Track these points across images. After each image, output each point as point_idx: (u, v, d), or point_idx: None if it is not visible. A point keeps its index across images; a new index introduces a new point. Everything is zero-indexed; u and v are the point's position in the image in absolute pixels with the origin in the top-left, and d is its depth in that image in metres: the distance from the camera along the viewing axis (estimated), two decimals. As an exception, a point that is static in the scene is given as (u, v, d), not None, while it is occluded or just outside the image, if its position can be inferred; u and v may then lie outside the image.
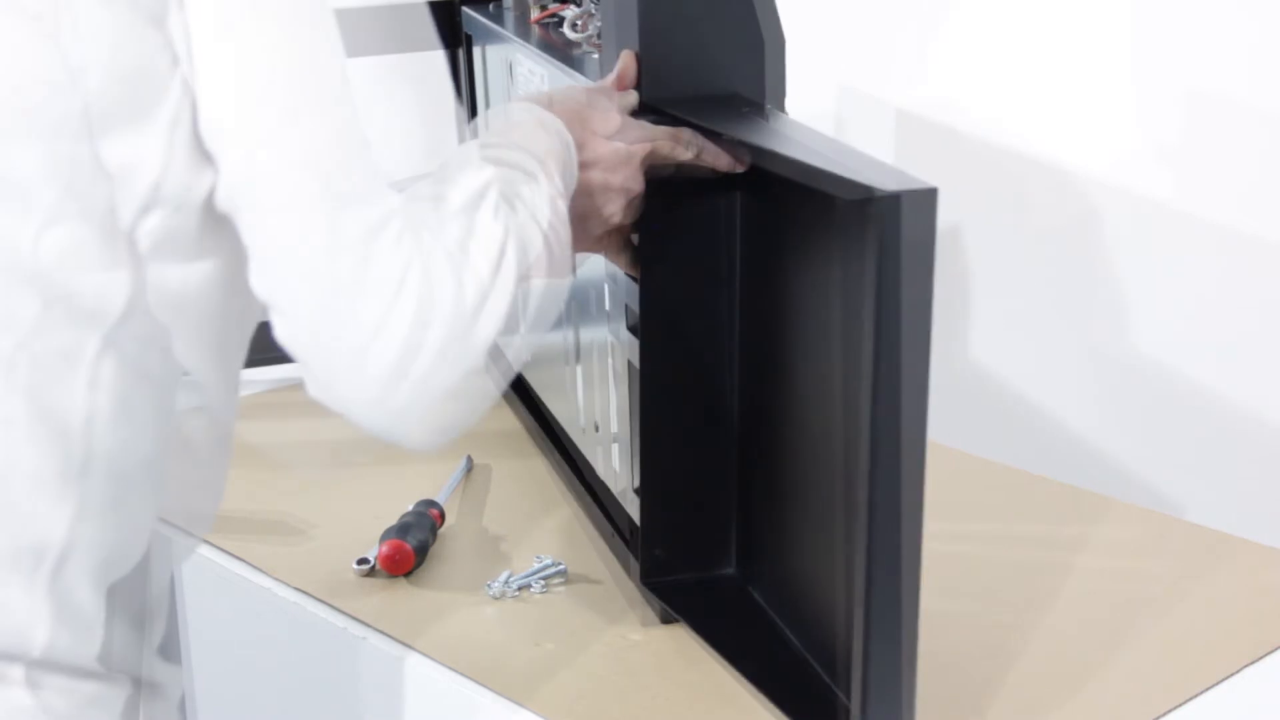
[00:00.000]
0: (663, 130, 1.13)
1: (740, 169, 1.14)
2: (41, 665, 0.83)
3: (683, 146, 1.13)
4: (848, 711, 1.05)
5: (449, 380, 0.87)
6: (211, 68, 0.83)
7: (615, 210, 1.12)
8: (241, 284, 0.88)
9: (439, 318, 0.86)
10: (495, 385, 0.93)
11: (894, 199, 0.92)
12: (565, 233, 0.99)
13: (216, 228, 0.87)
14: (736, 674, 1.15)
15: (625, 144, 1.11)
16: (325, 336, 0.86)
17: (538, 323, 0.96)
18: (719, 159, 1.14)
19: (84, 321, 0.83)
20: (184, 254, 0.86)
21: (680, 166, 1.14)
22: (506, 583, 1.30)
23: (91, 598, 0.85)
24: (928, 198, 0.93)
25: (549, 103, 1.09)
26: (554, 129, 1.05)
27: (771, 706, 1.11)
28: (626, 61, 1.17)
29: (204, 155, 0.85)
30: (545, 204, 0.98)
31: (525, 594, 1.30)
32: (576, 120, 1.09)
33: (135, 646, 0.88)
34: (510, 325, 0.91)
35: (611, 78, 1.17)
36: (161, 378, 0.87)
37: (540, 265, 0.95)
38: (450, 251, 0.88)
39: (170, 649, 0.94)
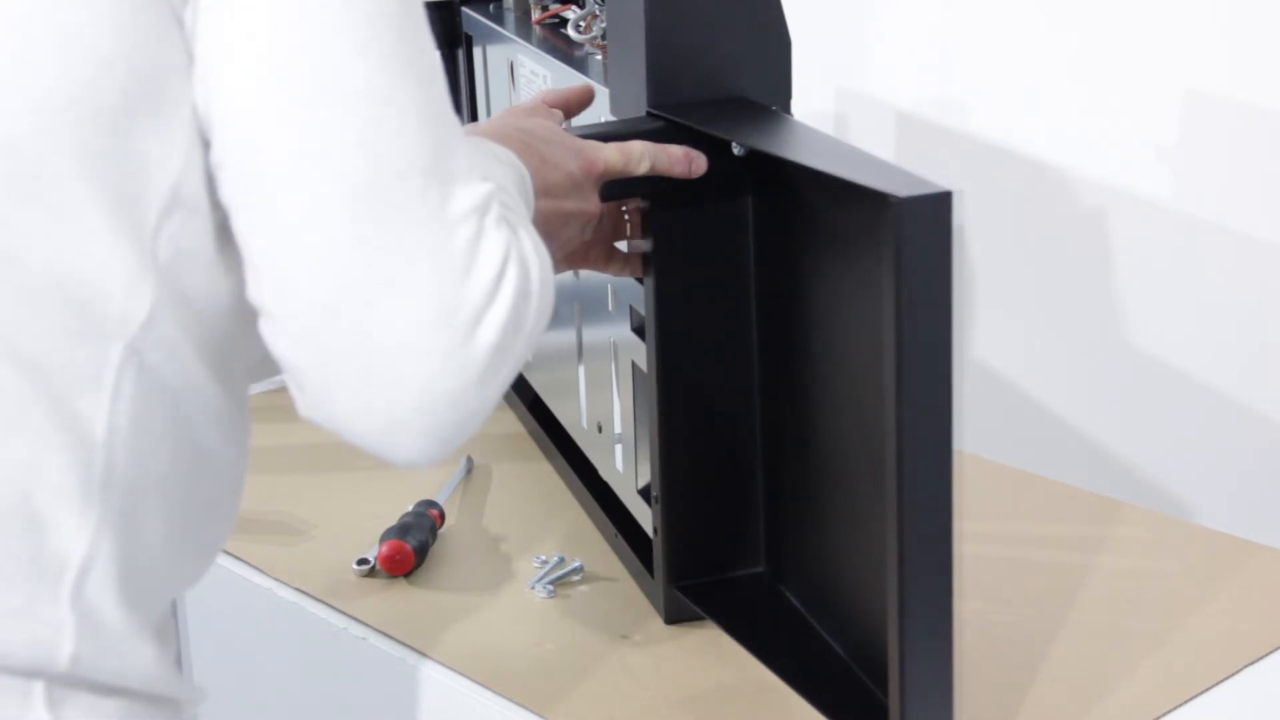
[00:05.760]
0: (612, 147, 1.11)
1: (695, 175, 1.13)
2: (64, 681, 0.82)
3: (635, 160, 1.11)
4: (885, 710, 1.04)
5: (454, 383, 0.83)
6: (223, 43, 0.80)
7: (573, 234, 1.11)
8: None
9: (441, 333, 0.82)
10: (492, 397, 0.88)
11: (910, 204, 0.92)
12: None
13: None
14: (773, 674, 1.13)
15: (576, 168, 1.08)
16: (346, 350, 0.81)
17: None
18: (674, 166, 1.13)
19: (109, 330, 0.81)
20: (203, 263, 0.84)
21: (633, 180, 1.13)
22: (547, 577, 1.30)
23: (117, 612, 0.84)
24: (944, 201, 0.93)
25: (494, 134, 1.06)
26: (508, 161, 1.00)
27: (810, 706, 1.10)
28: (584, 91, 1.22)
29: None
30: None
31: (528, 594, 1.30)
32: (526, 149, 1.05)
33: (157, 662, 0.86)
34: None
35: (539, 97, 1.16)
36: (180, 391, 0.85)
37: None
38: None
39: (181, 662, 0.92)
